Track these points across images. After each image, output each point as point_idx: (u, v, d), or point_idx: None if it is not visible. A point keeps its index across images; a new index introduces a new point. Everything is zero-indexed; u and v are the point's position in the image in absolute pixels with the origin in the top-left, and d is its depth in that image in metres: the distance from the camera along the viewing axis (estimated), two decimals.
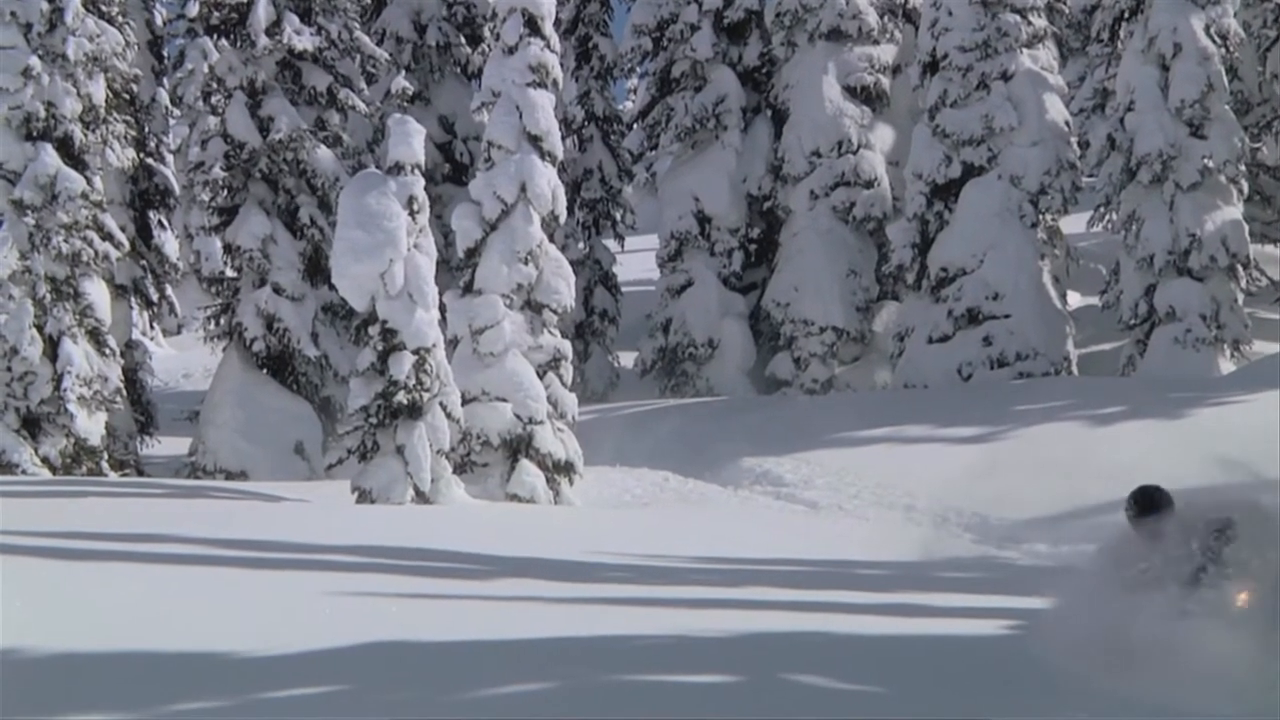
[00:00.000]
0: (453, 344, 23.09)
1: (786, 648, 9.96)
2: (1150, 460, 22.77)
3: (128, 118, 31.00)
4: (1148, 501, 10.23)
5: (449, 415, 21.57)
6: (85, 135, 27.72)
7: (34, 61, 26.98)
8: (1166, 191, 34.40)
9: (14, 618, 11.44)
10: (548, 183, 23.75)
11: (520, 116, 23.82)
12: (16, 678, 10.20)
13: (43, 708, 9.17)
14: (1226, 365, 33.57)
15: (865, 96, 39.10)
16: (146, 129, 34.19)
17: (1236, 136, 34.90)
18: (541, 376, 23.63)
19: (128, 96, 31.43)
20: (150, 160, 33.97)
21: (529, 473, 23.04)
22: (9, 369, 26.41)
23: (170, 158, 37.24)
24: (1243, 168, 35.13)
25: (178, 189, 34.66)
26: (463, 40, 38.34)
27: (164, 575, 13.31)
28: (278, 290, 30.38)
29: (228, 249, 31.21)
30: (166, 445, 32.25)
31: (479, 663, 9.37)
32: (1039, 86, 35.69)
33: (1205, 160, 34.13)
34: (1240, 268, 34.50)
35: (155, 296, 34.04)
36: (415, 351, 21.04)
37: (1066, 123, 36.28)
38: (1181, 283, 34.09)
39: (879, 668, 9.38)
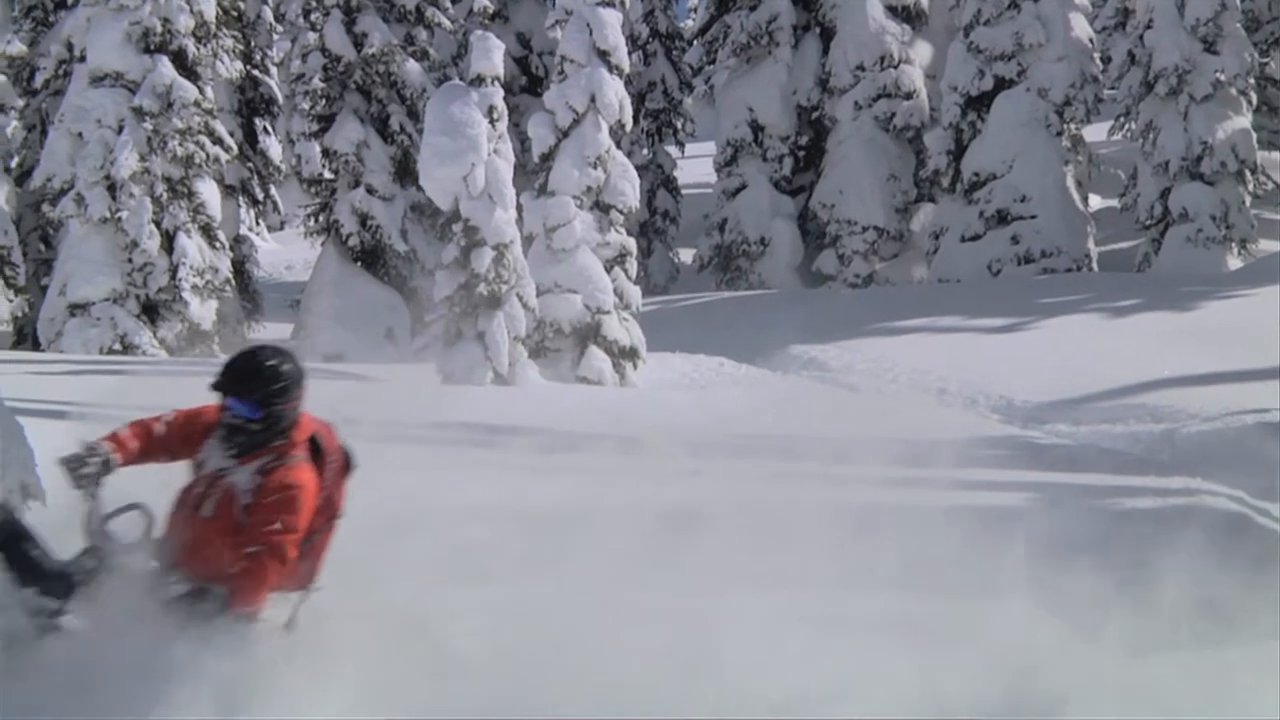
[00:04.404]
0: (529, 240, 23.07)
1: (837, 516, 9.96)
2: (1162, 348, 22.78)
3: (236, 33, 31.00)
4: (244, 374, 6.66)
5: (524, 305, 21.62)
6: (198, 49, 27.71)
7: None
8: (1181, 103, 34.09)
9: (123, 487, 11.61)
10: (615, 94, 23.63)
11: (591, 33, 23.67)
12: None
13: None
14: (1234, 262, 33.34)
15: (906, 15, 38.79)
16: (253, 43, 34.17)
17: (1247, 52, 34.52)
18: (609, 270, 23.60)
19: (235, 14, 31.40)
20: (256, 72, 33.98)
21: (597, 357, 23.07)
22: (130, 260, 26.59)
23: (274, 70, 37.24)
24: (1252, 81, 34.76)
25: (280, 98, 34.68)
26: None
27: None
28: (371, 191, 30.55)
29: (326, 153, 31.36)
30: (271, 330, 32.45)
31: (565, 526, 9.44)
32: (1065, 6, 35.36)
33: (1217, 74, 33.78)
34: (1248, 173, 34.27)
35: (260, 196, 34.18)
36: (494, 247, 21.06)
37: (1090, 39, 35.97)
38: (1194, 186, 33.84)
39: (914, 533, 9.40)
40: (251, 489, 6.44)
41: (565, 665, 6.60)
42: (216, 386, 6.52)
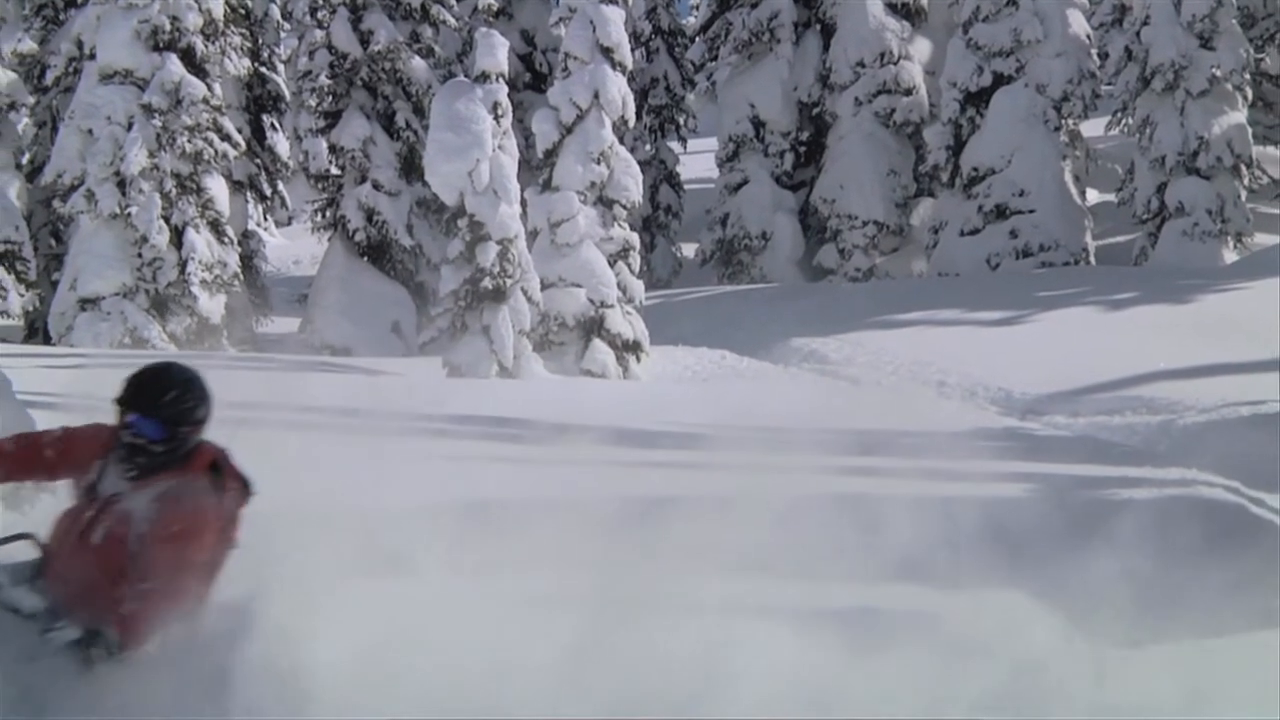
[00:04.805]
0: (533, 235, 23.09)
1: (824, 506, 9.94)
2: (1158, 341, 22.77)
3: (243, 31, 31.02)
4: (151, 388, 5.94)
5: (529, 299, 21.64)
6: (206, 46, 27.73)
7: None
8: (1178, 98, 34.05)
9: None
10: (618, 90, 23.63)
11: (594, 30, 23.68)
12: None
13: None
14: (1230, 256, 33.32)
15: (905, 12, 38.74)
16: (260, 41, 34.18)
17: (1242, 48, 34.46)
18: (612, 265, 23.61)
19: (243, 11, 31.45)
20: (263, 69, 34.00)
21: (601, 351, 23.09)
22: (140, 255, 26.63)
23: (281, 67, 37.22)
24: (1247, 76, 34.68)
25: (288, 95, 34.70)
26: None
27: (278, 440, 13.45)
28: (377, 186, 30.54)
29: (332, 149, 31.36)
30: (278, 324, 32.53)
31: (563, 518, 9.43)
32: (1063, 2, 35.31)
33: (1213, 69, 33.72)
34: (1244, 167, 34.21)
35: (268, 191, 34.22)
36: (499, 242, 21.07)
37: (1087, 35, 35.93)
38: (1190, 181, 33.80)
39: (911, 524, 9.38)
40: (148, 517, 5.78)
41: (508, 659, 6.54)
42: (121, 401, 5.84)
